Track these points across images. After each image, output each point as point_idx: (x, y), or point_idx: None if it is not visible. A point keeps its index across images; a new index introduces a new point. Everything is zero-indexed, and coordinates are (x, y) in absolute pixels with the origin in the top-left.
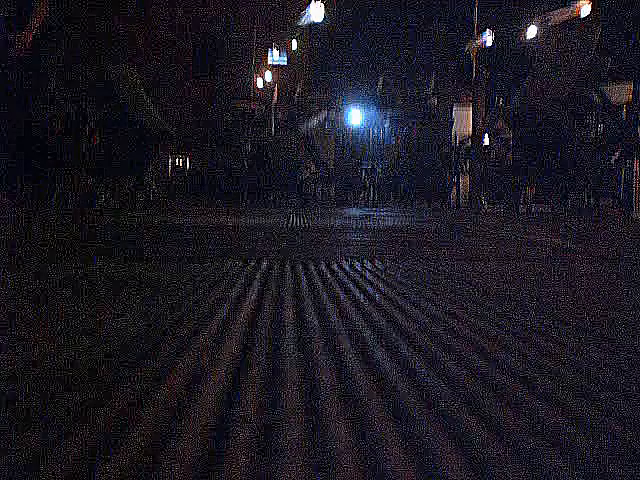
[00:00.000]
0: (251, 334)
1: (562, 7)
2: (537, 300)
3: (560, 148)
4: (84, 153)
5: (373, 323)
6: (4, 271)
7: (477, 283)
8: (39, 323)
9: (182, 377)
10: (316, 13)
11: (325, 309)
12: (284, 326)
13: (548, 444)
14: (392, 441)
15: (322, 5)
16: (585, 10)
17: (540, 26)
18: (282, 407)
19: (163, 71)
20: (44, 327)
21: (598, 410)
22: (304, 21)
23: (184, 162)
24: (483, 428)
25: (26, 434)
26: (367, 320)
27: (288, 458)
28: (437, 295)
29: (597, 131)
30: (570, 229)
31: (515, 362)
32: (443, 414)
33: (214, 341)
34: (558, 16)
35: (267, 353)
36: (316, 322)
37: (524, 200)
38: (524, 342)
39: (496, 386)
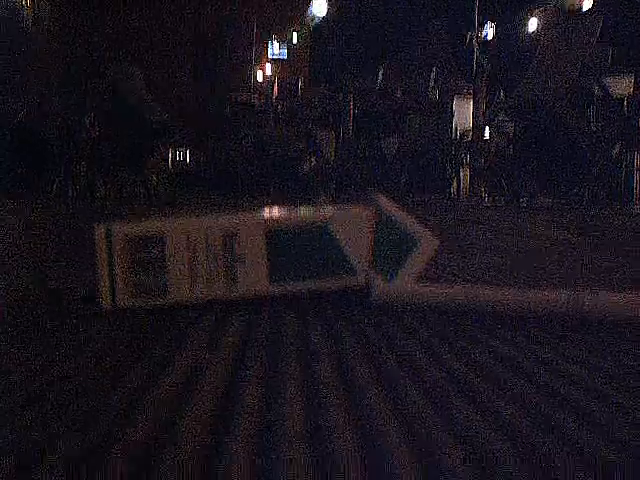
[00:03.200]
0: None
1: None
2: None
3: (561, 141)
4: (83, 145)
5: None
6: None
7: (474, 278)
8: None
9: None
10: (319, 8)
11: None
12: None
13: None
14: None
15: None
16: (587, 4)
17: (542, 14)
18: None
19: (163, 65)
20: None
21: None
22: (310, 18)
23: (184, 155)
24: None
25: None
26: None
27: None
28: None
29: (598, 124)
30: (573, 222)
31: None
32: None
33: None
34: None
35: None
36: None
37: (525, 193)
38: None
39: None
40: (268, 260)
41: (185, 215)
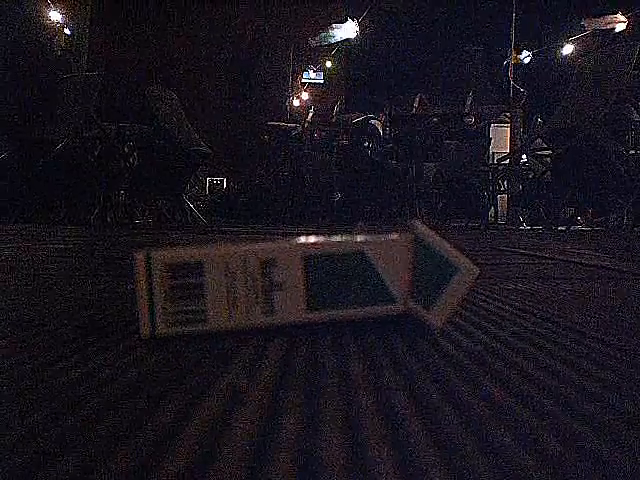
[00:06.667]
0: None
1: (598, 17)
2: (584, 325)
3: (599, 166)
4: (122, 173)
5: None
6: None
7: (515, 304)
8: None
9: None
10: (348, 31)
11: None
12: None
13: None
14: None
15: (356, 22)
16: (620, 26)
17: (577, 41)
18: None
19: (200, 92)
20: None
21: None
22: (330, 38)
23: (221, 183)
24: None
25: None
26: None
27: None
28: (475, 315)
29: (636, 148)
30: (617, 248)
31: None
32: None
33: None
34: (595, 24)
35: None
36: None
37: (563, 219)
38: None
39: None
40: (306, 287)
41: (223, 242)
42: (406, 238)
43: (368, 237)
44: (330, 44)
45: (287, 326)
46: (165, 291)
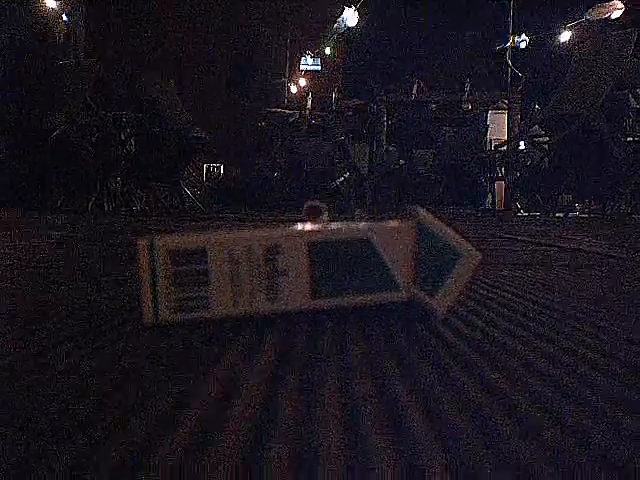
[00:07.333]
0: None
1: (598, 6)
2: (590, 315)
3: (597, 153)
4: (119, 160)
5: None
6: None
7: (517, 291)
8: None
9: None
10: (350, 18)
11: None
12: None
13: None
14: None
15: (355, 10)
16: (616, 13)
17: (575, 27)
18: None
19: (197, 79)
20: None
21: None
22: (340, 28)
23: (219, 170)
24: None
25: None
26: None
27: None
28: (475, 302)
29: (634, 135)
30: (613, 235)
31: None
32: None
33: None
34: (595, 12)
35: None
36: None
37: (561, 205)
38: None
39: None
40: (310, 274)
41: (226, 229)
42: (410, 225)
43: (372, 224)
44: (339, 34)
45: (291, 312)
46: (168, 278)
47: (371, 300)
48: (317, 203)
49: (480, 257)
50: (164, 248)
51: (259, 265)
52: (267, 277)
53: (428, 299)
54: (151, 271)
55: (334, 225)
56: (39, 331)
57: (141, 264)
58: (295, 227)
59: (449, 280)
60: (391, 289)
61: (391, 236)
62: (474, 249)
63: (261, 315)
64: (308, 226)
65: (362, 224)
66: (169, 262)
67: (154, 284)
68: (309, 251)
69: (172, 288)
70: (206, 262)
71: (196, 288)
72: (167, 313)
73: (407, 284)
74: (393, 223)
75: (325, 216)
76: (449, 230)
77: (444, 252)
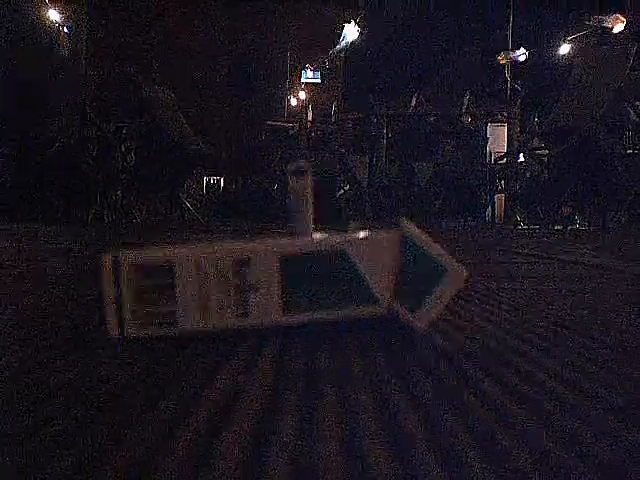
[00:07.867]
0: None
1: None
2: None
3: (597, 165)
4: (120, 172)
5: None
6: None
7: (511, 303)
8: None
9: None
10: (351, 33)
11: None
12: None
13: None
14: None
15: (356, 25)
16: (618, 27)
17: (574, 40)
18: None
19: (198, 93)
20: None
21: None
22: (343, 44)
23: (219, 182)
24: None
25: None
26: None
27: None
28: (472, 313)
29: (634, 147)
30: (612, 247)
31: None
32: None
33: None
34: (601, 21)
35: None
36: None
37: (560, 218)
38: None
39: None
40: (282, 288)
41: (196, 242)
42: (392, 237)
43: (350, 236)
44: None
45: (262, 328)
46: (133, 293)
47: (348, 315)
48: (302, 162)
49: (466, 273)
50: (129, 262)
51: (228, 279)
52: (236, 292)
53: (408, 314)
54: (116, 286)
55: (308, 237)
56: (30, 346)
57: (104, 279)
58: (266, 240)
59: (432, 295)
60: (369, 303)
61: (371, 248)
62: (460, 265)
63: (231, 331)
64: (282, 240)
65: (339, 236)
66: (134, 276)
67: (119, 299)
68: (280, 264)
69: (138, 303)
70: (172, 277)
71: (162, 303)
72: (133, 328)
73: (387, 297)
74: (375, 235)
75: (309, 180)
76: (435, 245)
77: (428, 266)
